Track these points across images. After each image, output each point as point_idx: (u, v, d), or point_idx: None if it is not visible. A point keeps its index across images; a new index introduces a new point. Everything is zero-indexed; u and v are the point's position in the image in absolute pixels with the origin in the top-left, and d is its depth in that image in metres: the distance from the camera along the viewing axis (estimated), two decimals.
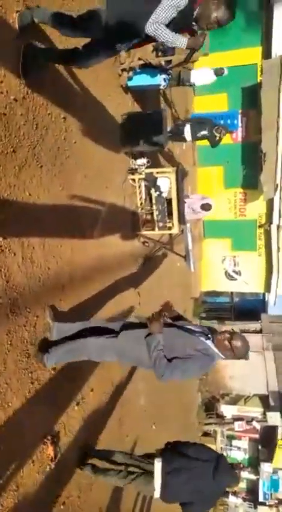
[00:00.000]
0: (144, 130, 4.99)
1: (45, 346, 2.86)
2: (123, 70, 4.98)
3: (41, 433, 2.91)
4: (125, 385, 4.91)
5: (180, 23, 2.54)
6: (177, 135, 6.85)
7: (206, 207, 7.27)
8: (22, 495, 2.58)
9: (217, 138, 6.97)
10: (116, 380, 4.57)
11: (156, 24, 2.46)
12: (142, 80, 5.16)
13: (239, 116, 10.47)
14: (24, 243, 2.71)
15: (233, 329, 2.64)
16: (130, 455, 3.48)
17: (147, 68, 5.06)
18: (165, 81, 5.31)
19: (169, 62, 5.22)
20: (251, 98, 10.08)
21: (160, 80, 5.22)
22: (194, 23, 2.61)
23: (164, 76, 5.20)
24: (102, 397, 4.15)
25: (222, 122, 9.76)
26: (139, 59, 4.96)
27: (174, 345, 2.57)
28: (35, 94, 2.83)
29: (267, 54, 9.78)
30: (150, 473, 3.07)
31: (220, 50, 9.72)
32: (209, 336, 2.64)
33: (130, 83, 5.14)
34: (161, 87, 5.37)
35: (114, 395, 4.52)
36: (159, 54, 5.20)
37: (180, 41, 2.52)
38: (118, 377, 4.62)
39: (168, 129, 6.05)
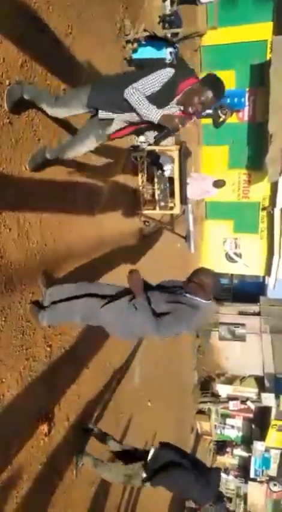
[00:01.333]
0: None
1: (41, 305, 2.83)
2: (127, 42, 4.81)
3: (36, 408, 2.93)
4: (121, 363, 4.94)
5: (159, 99, 2.41)
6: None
7: (220, 183, 7.06)
8: (16, 469, 2.61)
9: (221, 119, 6.79)
10: (113, 359, 4.58)
11: (133, 89, 2.37)
12: (147, 52, 4.97)
13: (246, 95, 10.20)
14: (20, 219, 2.65)
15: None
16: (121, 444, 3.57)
17: (153, 40, 4.87)
18: (171, 54, 5.12)
19: (176, 34, 5.02)
20: (260, 76, 9.78)
21: (166, 53, 5.03)
22: (181, 108, 2.51)
23: (170, 49, 5.01)
24: (98, 375, 4.17)
25: (228, 100, 9.53)
26: (144, 30, 4.78)
27: (160, 304, 2.54)
28: (34, 62, 2.72)
29: (278, 30, 9.43)
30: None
31: (229, 25, 9.39)
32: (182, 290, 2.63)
33: (135, 56, 4.95)
34: (167, 61, 5.17)
35: (110, 373, 4.55)
36: (166, 26, 5.00)
37: (154, 113, 2.36)
38: (114, 356, 4.64)
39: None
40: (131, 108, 2.45)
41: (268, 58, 9.52)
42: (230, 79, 10.11)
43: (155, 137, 2.79)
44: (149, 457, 3.19)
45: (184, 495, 3.64)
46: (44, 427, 2.96)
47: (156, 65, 2.53)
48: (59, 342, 3.20)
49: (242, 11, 9.48)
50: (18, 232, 2.63)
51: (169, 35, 4.96)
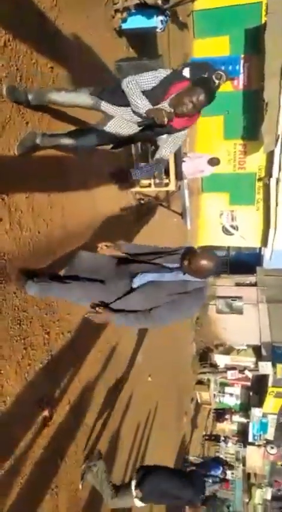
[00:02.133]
0: None
1: (31, 274, 2.71)
2: (116, 11, 4.56)
3: (36, 395, 2.93)
4: (121, 342, 4.96)
5: (152, 96, 2.47)
6: None
7: (215, 161, 6.93)
8: (19, 457, 2.64)
9: (216, 84, 6.56)
10: (112, 339, 4.60)
11: (131, 78, 2.44)
12: (137, 22, 4.75)
13: (241, 62, 9.84)
14: (11, 207, 2.57)
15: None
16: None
17: (143, 8, 4.63)
18: (162, 23, 4.89)
19: (166, 1, 4.77)
20: (254, 41, 9.40)
21: (157, 21, 4.80)
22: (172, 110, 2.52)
23: (161, 17, 4.78)
24: (98, 356, 4.19)
25: (223, 67, 9.20)
26: None
27: (157, 298, 2.47)
28: (18, 40, 2.56)
29: None
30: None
31: None
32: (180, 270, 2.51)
33: (124, 25, 4.73)
34: (158, 29, 4.95)
35: (110, 353, 4.58)
36: None
37: (142, 103, 2.43)
38: (114, 337, 4.66)
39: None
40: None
41: (263, 21, 9.13)
42: (224, 45, 9.77)
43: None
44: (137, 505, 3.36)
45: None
46: (46, 413, 2.99)
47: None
48: (57, 329, 3.19)
49: None
50: (10, 221, 2.55)
51: (159, 2, 4.70)
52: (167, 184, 5.74)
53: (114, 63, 4.56)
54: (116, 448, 4.72)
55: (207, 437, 14.99)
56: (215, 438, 15.50)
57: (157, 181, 5.63)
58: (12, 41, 2.49)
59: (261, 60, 9.00)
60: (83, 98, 2.60)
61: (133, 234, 5.60)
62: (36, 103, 2.63)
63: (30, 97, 2.57)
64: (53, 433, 3.12)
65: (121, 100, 2.53)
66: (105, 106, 2.58)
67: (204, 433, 14.89)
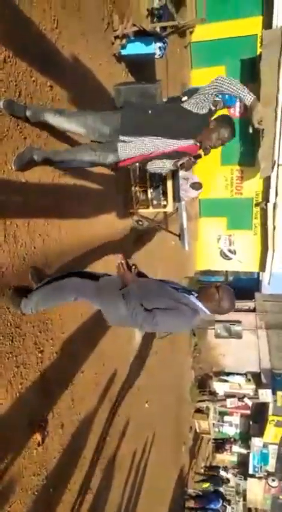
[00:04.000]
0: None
1: (23, 291, 2.60)
2: (116, 37, 4.69)
3: (28, 417, 2.82)
4: (117, 365, 4.84)
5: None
6: None
7: (196, 186, 7.08)
8: (7, 481, 2.51)
9: (213, 110, 6.71)
10: (108, 361, 4.49)
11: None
12: (136, 48, 4.88)
13: None
14: (6, 221, 2.54)
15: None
16: None
17: (142, 35, 4.77)
18: (160, 49, 5.03)
19: (165, 28, 4.93)
20: (250, 71, 9.69)
21: (155, 48, 4.94)
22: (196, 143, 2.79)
23: (159, 44, 4.92)
24: (94, 379, 4.07)
25: (220, 96, 9.45)
26: (133, 25, 4.68)
27: (155, 296, 2.40)
28: (18, 58, 2.60)
29: (268, 24, 9.36)
30: None
31: (218, 20, 9.31)
32: (193, 292, 2.48)
33: (123, 52, 4.86)
34: (156, 56, 5.09)
35: (106, 376, 4.45)
36: (155, 20, 4.90)
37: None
38: (109, 357, 4.54)
39: (165, 100, 5.79)
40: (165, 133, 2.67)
41: (258, 53, 9.44)
42: (220, 74, 10.02)
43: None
44: None
45: None
46: (37, 436, 2.86)
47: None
48: (51, 348, 3.10)
49: (231, 6, 9.40)
50: (4, 235, 2.52)
51: (158, 29, 4.85)
52: (164, 206, 5.75)
53: (112, 86, 4.64)
54: (111, 478, 4.52)
55: (206, 469, 14.47)
56: (214, 470, 14.96)
57: (155, 202, 5.65)
58: (12, 57, 2.52)
59: (256, 89, 9.24)
60: (78, 128, 2.67)
61: (131, 254, 5.57)
62: (34, 120, 2.65)
63: (28, 113, 2.59)
64: (45, 458, 2.98)
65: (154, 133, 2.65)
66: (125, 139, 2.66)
67: (203, 464, 14.38)
